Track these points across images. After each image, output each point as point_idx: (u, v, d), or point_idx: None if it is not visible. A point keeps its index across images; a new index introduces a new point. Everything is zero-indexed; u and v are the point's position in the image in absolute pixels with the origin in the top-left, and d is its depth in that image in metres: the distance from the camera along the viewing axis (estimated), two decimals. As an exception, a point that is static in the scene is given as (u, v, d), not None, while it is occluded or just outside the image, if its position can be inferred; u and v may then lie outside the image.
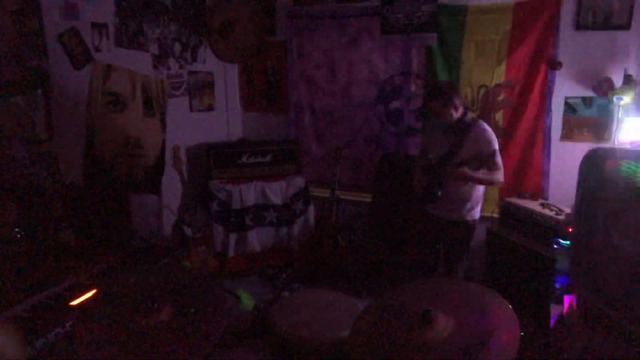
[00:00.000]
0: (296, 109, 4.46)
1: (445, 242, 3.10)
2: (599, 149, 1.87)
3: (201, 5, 4.09)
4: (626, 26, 3.19)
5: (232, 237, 3.98)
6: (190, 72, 4.07)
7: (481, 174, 2.78)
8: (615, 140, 3.22)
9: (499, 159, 2.81)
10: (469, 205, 2.97)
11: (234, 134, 4.63)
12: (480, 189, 2.99)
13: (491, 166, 2.77)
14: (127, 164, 3.48)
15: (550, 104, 3.49)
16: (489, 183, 2.91)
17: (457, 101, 2.86)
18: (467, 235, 3.06)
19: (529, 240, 3.22)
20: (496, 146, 2.80)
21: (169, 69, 3.83)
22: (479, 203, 3.03)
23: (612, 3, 3.20)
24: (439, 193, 2.89)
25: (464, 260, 3.12)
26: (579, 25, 3.33)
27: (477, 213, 3.04)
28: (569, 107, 3.47)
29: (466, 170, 2.75)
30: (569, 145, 3.49)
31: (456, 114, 2.86)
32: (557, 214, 3.16)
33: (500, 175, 2.82)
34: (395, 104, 4.06)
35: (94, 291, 2.09)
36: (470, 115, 2.96)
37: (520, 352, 1.37)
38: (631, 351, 1.59)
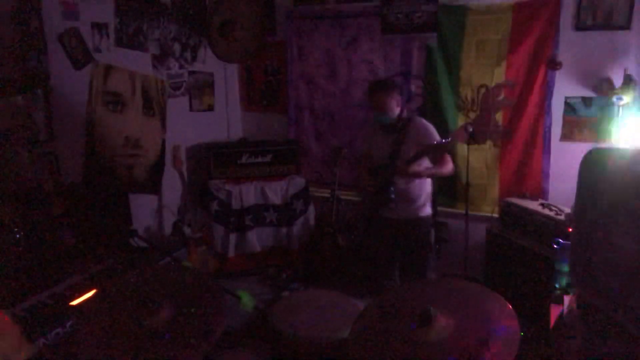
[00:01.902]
0: (296, 109, 4.46)
1: (408, 242, 3.09)
2: (599, 149, 1.86)
3: (201, 5, 4.09)
4: (626, 26, 3.18)
5: (232, 237, 3.98)
6: (190, 72, 4.07)
7: (432, 167, 2.88)
8: (615, 140, 3.21)
9: (428, 162, 2.91)
10: (421, 202, 3.02)
11: (234, 134, 4.63)
12: (429, 185, 3.05)
13: (438, 157, 2.85)
14: (127, 164, 3.48)
15: (550, 104, 3.49)
16: (440, 174, 2.97)
17: (399, 96, 2.96)
18: (426, 231, 3.08)
19: (529, 240, 3.22)
20: (438, 137, 2.88)
21: (169, 69, 3.83)
22: (429, 198, 3.08)
23: (612, 3, 3.20)
24: (392, 195, 2.92)
25: (431, 260, 3.13)
26: (579, 26, 3.32)
27: (429, 208, 3.09)
28: (569, 107, 3.47)
29: (416, 166, 2.81)
30: (569, 145, 3.48)
31: (397, 109, 2.92)
32: (557, 214, 3.16)
33: (449, 166, 2.91)
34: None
35: (94, 291, 2.09)
36: (406, 113, 3.02)
37: (520, 352, 1.37)
38: (631, 351, 1.59)
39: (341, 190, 4.17)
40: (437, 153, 2.84)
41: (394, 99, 2.91)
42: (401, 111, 2.96)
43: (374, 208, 3.11)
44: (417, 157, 2.80)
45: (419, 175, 2.88)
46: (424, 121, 2.99)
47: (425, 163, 2.93)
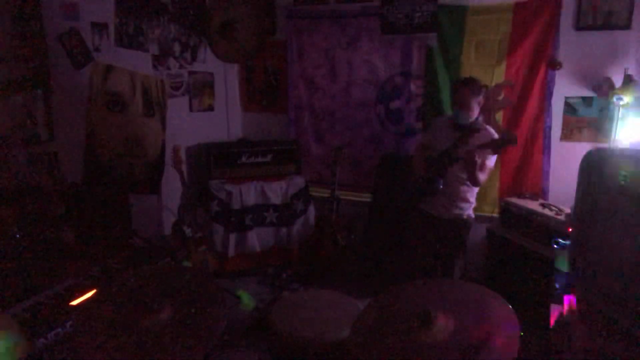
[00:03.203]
0: (296, 109, 4.46)
1: (443, 241, 3.09)
2: (599, 149, 1.87)
3: (201, 5, 4.09)
4: (626, 26, 3.19)
5: (232, 237, 3.97)
6: (190, 72, 4.07)
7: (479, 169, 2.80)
8: (615, 140, 3.21)
9: (491, 163, 2.86)
10: (466, 204, 2.99)
11: (234, 134, 4.63)
12: (475, 190, 3.01)
13: (493, 153, 2.79)
14: (127, 164, 3.48)
15: (550, 104, 3.49)
16: (474, 179, 2.85)
17: (482, 99, 2.92)
18: (465, 233, 3.06)
19: (529, 240, 3.22)
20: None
21: (169, 69, 3.83)
22: (473, 202, 3.05)
23: (612, 3, 3.20)
24: (440, 186, 2.89)
25: (461, 259, 3.12)
26: (579, 26, 3.33)
27: (472, 211, 3.06)
28: (569, 107, 3.47)
29: (474, 151, 2.71)
30: (569, 145, 3.49)
31: (476, 111, 2.90)
32: (557, 214, 3.16)
33: (483, 176, 2.85)
34: (395, 104, 4.06)
35: (94, 291, 2.08)
36: (481, 120, 2.99)
37: (520, 352, 1.37)
38: (631, 351, 1.59)
39: (341, 190, 4.17)
40: (500, 147, 2.73)
41: (477, 101, 2.88)
42: (478, 115, 2.94)
43: (418, 198, 3.08)
44: (482, 147, 2.72)
45: (475, 165, 2.75)
46: (492, 131, 2.93)
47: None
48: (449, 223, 3.02)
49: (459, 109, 2.92)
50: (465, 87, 2.89)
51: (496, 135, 2.88)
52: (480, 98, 2.91)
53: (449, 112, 3.75)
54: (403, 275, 3.30)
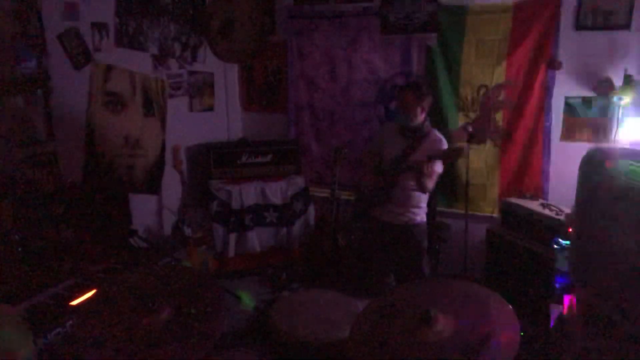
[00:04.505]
0: (296, 109, 4.46)
1: (401, 247, 3.09)
2: (599, 149, 1.87)
3: (201, 5, 4.09)
4: (626, 26, 3.19)
5: (232, 237, 3.97)
6: (190, 72, 4.07)
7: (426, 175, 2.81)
8: (615, 140, 3.21)
9: (440, 168, 2.86)
10: (417, 209, 3.02)
11: (234, 134, 4.63)
12: (426, 194, 3.02)
13: (444, 164, 2.83)
14: (127, 164, 3.48)
15: (550, 104, 3.49)
16: (423, 187, 2.86)
17: (427, 103, 2.92)
18: (420, 237, 3.08)
19: (529, 240, 3.22)
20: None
21: (169, 69, 3.83)
22: (425, 207, 3.08)
23: (612, 3, 3.20)
24: (391, 195, 2.94)
25: (425, 266, 3.13)
26: (579, 26, 3.33)
27: (424, 216, 3.09)
28: (569, 107, 3.47)
29: (423, 164, 2.75)
30: (569, 145, 3.48)
31: (422, 116, 2.90)
32: (557, 214, 3.16)
33: (431, 183, 2.86)
34: (396, 104, 4.06)
35: (94, 291, 2.08)
36: (428, 123, 2.99)
37: (520, 352, 1.37)
38: (631, 351, 1.59)
39: (341, 190, 4.17)
40: (448, 158, 2.80)
41: (422, 102, 2.88)
42: (424, 119, 2.94)
43: (368, 207, 3.11)
44: (431, 158, 2.76)
45: (427, 174, 2.80)
46: (441, 137, 2.95)
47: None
48: (402, 229, 3.03)
49: (404, 113, 2.91)
50: (411, 91, 2.89)
51: (442, 139, 2.92)
52: (426, 101, 2.90)
53: (449, 112, 3.75)
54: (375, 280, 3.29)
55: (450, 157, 2.78)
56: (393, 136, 3.03)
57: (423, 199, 3.03)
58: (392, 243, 3.09)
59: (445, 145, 2.89)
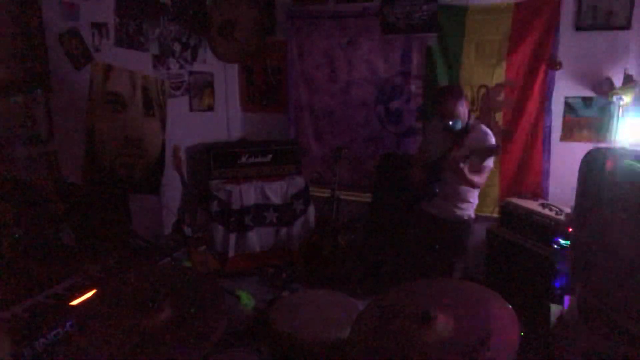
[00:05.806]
0: (296, 109, 4.46)
1: (442, 241, 3.09)
2: (599, 149, 1.87)
3: (201, 5, 4.09)
4: (626, 26, 3.19)
5: (232, 237, 3.98)
6: (190, 72, 4.07)
7: (467, 171, 2.78)
8: (615, 140, 3.21)
9: (490, 163, 2.85)
10: (466, 204, 2.99)
11: (234, 134, 4.63)
12: (476, 191, 3.01)
13: (481, 162, 2.79)
14: (127, 164, 3.47)
15: (550, 104, 3.49)
16: (467, 182, 2.85)
17: (466, 101, 2.94)
18: (464, 233, 3.06)
19: (529, 240, 3.22)
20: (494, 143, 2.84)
21: (169, 69, 3.83)
22: (474, 202, 3.04)
23: (612, 3, 3.20)
24: (437, 190, 2.93)
25: (461, 259, 3.12)
26: (579, 26, 3.32)
27: (472, 212, 3.06)
28: (569, 107, 3.47)
29: (458, 159, 2.74)
30: (569, 145, 3.49)
31: (466, 114, 2.90)
32: (557, 214, 3.16)
33: (480, 178, 2.84)
34: (395, 104, 4.06)
35: (94, 291, 2.08)
36: (472, 117, 2.99)
37: (520, 352, 1.37)
38: (631, 351, 1.59)
39: (341, 190, 4.17)
40: (483, 156, 2.78)
41: (463, 105, 2.88)
42: (469, 117, 2.95)
43: (416, 201, 3.12)
44: (467, 156, 2.74)
45: (462, 173, 2.78)
46: (487, 130, 2.93)
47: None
48: (449, 224, 3.02)
49: (449, 118, 2.85)
50: (450, 97, 2.86)
51: (488, 132, 2.90)
52: (464, 100, 2.89)
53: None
54: (402, 276, 3.30)
55: (486, 154, 2.77)
56: (438, 134, 3.01)
57: (471, 194, 2.99)
58: (434, 235, 3.08)
59: (492, 139, 2.87)
